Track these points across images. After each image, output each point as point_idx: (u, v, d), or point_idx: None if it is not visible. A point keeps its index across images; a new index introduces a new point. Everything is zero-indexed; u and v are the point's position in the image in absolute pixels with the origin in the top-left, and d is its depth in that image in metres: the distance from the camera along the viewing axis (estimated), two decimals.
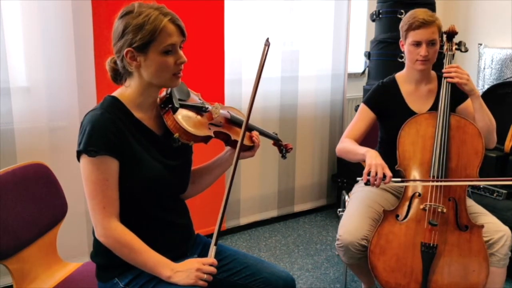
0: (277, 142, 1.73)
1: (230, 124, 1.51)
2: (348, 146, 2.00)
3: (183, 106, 1.39)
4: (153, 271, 1.31)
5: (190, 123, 1.37)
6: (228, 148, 1.56)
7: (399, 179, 1.76)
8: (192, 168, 1.56)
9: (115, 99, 1.33)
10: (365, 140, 2.34)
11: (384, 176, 1.71)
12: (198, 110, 1.43)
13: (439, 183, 1.79)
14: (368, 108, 2.07)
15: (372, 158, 1.77)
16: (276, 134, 1.75)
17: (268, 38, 1.44)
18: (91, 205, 1.28)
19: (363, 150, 1.88)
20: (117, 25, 1.29)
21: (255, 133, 1.55)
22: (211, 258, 1.34)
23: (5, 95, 2.24)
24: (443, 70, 1.93)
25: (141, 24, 1.25)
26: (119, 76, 1.36)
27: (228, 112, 1.53)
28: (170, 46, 1.28)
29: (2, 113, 2.25)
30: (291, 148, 1.75)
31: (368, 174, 1.73)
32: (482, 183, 1.78)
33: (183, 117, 1.36)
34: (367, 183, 1.73)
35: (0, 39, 2.19)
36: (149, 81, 1.32)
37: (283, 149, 1.74)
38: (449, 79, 1.89)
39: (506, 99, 2.81)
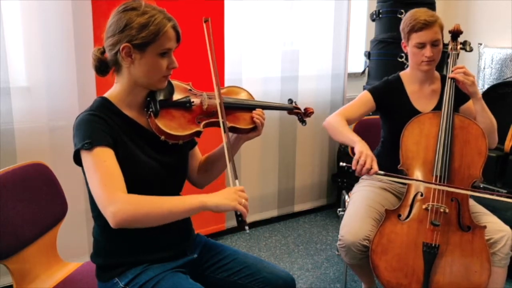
0: (291, 111, 1.68)
1: (226, 110, 1.45)
2: (340, 125, 1.95)
3: (165, 106, 1.36)
4: (185, 208, 1.22)
5: (173, 124, 1.35)
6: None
7: (382, 172, 1.74)
8: (202, 156, 1.59)
9: (104, 99, 1.34)
10: (367, 141, 2.33)
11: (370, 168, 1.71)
12: (183, 106, 1.40)
13: (431, 185, 1.79)
14: (371, 97, 2.05)
15: (364, 148, 1.77)
16: (291, 100, 1.69)
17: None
18: (96, 192, 1.21)
19: (356, 137, 1.86)
20: (118, 18, 1.28)
21: (256, 112, 1.52)
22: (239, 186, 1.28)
23: (5, 95, 2.24)
24: (452, 69, 1.92)
25: (145, 23, 1.26)
26: (103, 67, 1.35)
27: (220, 98, 1.45)
28: (167, 49, 1.30)
29: (2, 113, 2.24)
30: (312, 112, 1.69)
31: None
32: (477, 194, 1.77)
33: (165, 119, 1.34)
34: (352, 170, 1.73)
35: (0, 39, 2.19)
36: (138, 80, 1.32)
37: (301, 116, 1.69)
38: (456, 76, 1.88)
39: (506, 99, 2.81)
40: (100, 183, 1.20)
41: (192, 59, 2.43)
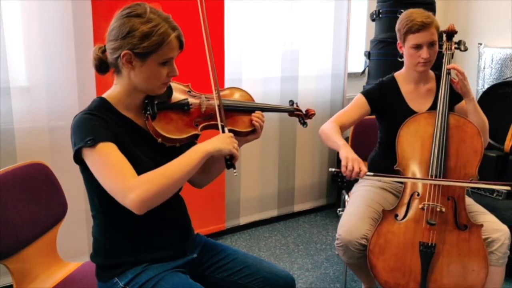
0: (292, 113, 1.68)
1: (224, 113, 1.44)
2: (331, 131, 1.96)
3: (163, 108, 1.36)
4: (194, 162, 1.26)
5: (170, 127, 1.35)
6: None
7: (372, 173, 1.75)
8: None
9: (103, 100, 1.34)
10: (364, 141, 2.34)
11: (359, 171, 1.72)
12: (181, 108, 1.39)
13: (426, 181, 1.79)
14: (366, 100, 2.06)
15: (348, 152, 1.77)
16: (292, 101, 1.69)
17: None
18: (109, 187, 1.21)
19: (340, 142, 1.87)
20: (121, 23, 1.26)
21: (255, 115, 1.51)
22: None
23: (5, 95, 2.25)
24: (448, 67, 1.93)
25: (149, 33, 1.24)
26: (104, 67, 1.34)
27: (219, 100, 1.44)
28: (168, 59, 1.30)
29: (2, 113, 2.25)
30: (313, 114, 1.68)
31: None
32: (470, 185, 1.78)
33: (162, 122, 1.34)
34: (341, 174, 1.75)
35: (0, 39, 2.20)
36: (137, 85, 1.32)
37: (302, 118, 1.68)
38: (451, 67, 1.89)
39: (506, 99, 2.82)
40: (112, 176, 1.20)
41: (192, 60, 2.43)
